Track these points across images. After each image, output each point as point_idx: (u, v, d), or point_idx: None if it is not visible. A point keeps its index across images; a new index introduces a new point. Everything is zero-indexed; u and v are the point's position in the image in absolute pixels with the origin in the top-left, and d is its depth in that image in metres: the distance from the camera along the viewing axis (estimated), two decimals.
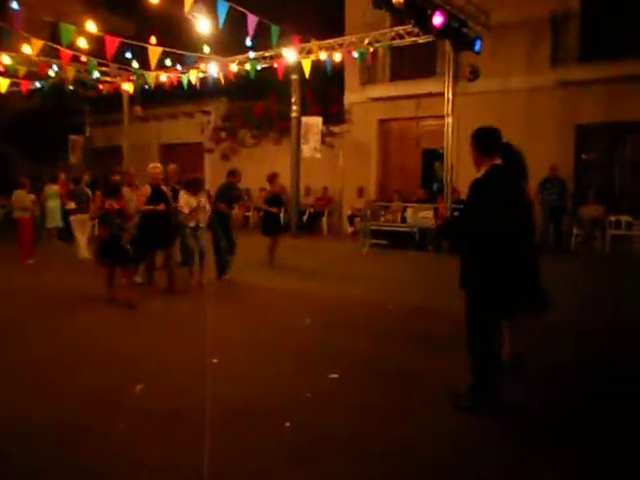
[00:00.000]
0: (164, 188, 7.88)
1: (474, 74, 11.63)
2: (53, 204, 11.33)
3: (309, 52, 11.72)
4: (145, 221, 7.68)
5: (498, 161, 3.93)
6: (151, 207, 7.52)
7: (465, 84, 13.04)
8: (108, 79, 14.87)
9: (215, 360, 5.09)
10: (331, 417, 3.93)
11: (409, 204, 12.76)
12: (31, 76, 12.75)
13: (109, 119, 19.16)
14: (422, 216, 11.42)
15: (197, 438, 3.56)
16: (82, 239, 10.29)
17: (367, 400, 4.22)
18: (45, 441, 3.59)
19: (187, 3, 6.05)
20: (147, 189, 7.71)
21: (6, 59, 10.88)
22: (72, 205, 10.34)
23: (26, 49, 9.37)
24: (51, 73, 12.45)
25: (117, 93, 15.84)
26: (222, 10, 6.54)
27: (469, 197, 3.98)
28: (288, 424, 3.80)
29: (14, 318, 6.63)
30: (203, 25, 7.42)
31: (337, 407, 4.09)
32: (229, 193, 9.01)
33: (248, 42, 8.12)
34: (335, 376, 4.68)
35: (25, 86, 12.87)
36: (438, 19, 8.44)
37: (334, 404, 4.14)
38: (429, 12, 8.45)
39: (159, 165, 7.95)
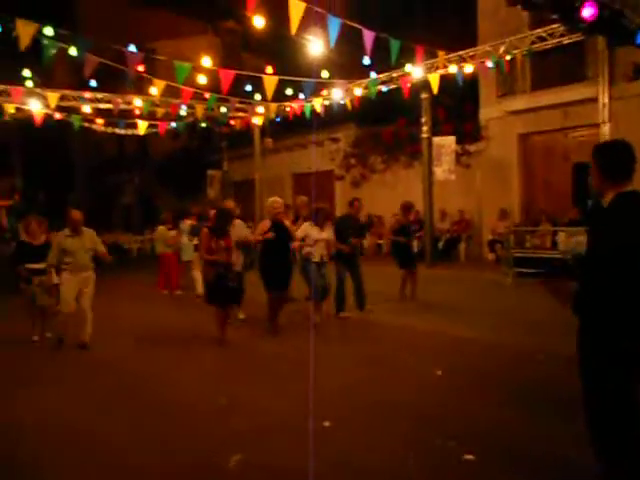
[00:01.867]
0: (287, 224, 7.44)
1: (637, 72, 9.93)
2: (185, 239, 11.55)
3: (437, 68, 10.81)
4: (264, 260, 7.29)
5: (629, 187, 2.78)
6: (260, 237, 7.11)
7: (623, 86, 11.33)
8: (239, 114, 15.18)
9: (327, 423, 4.39)
10: None
11: (560, 228, 11.17)
12: (166, 117, 13.40)
13: (244, 153, 19.71)
14: (577, 240, 9.83)
15: None
16: (199, 275, 10.30)
17: None
18: None
19: (293, 24, 5.57)
20: (266, 223, 7.30)
21: (138, 102, 11.50)
22: (195, 241, 10.39)
23: (153, 90, 9.81)
24: (182, 112, 12.95)
25: (249, 127, 16.15)
26: (333, 27, 5.99)
27: (588, 241, 2.93)
28: None
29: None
30: (316, 47, 6.96)
31: None
32: (347, 225, 8.41)
33: (366, 61, 7.49)
34: (470, 458, 3.73)
35: (162, 127, 13.54)
36: (588, 11, 7.15)
37: None
38: (576, 4, 7.20)
39: (279, 200, 7.41)
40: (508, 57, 10.65)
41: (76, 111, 12.23)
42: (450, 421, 4.34)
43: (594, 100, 10.84)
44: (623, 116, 11.29)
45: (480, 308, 8.68)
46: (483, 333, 7.03)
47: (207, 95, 10.89)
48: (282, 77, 8.54)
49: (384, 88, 12.21)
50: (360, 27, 6.65)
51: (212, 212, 8.16)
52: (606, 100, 10.37)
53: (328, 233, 7.89)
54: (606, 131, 10.60)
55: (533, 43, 10.85)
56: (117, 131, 14.63)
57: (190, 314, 8.97)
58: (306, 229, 7.71)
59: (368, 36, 6.80)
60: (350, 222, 8.45)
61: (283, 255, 7.34)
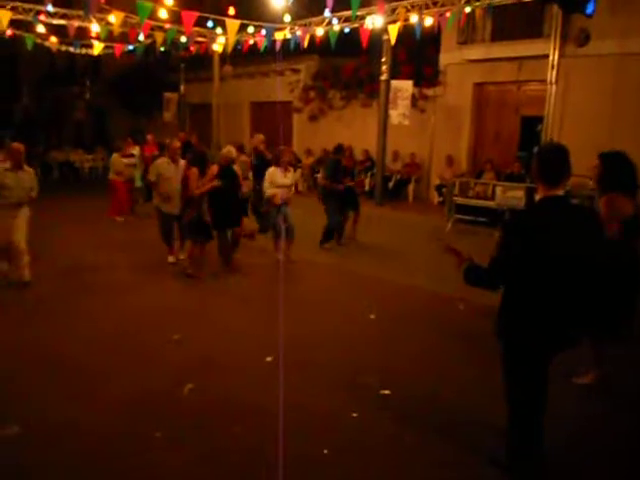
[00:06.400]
0: (236, 168, 7.84)
1: (584, 39, 10.37)
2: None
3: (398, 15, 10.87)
4: (212, 202, 7.64)
5: (559, 192, 3.04)
6: (208, 186, 7.36)
7: (575, 47, 11.75)
8: (199, 39, 14.81)
9: (269, 359, 5.02)
10: (369, 444, 3.72)
11: (499, 183, 11.72)
12: (123, 39, 13.00)
13: (203, 76, 19.28)
14: (512, 196, 10.57)
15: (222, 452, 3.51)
16: None
17: (404, 429, 3.94)
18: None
19: None
20: (214, 168, 7.60)
21: (95, 27, 11.16)
22: None
23: (111, 18, 9.56)
24: (140, 38, 12.60)
25: (208, 53, 15.81)
26: None
27: (501, 236, 3.15)
28: (326, 451, 3.64)
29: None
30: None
31: (378, 434, 3.86)
32: (337, 169, 9.06)
33: (327, 13, 7.60)
34: (386, 392, 4.44)
35: (119, 49, 13.16)
36: None
37: (376, 429, 3.91)
38: None
39: (233, 150, 7.81)
40: (467, 9, 10.78)
41: (29, 29, 11.72)
42: (376, 360, 5.05)
43: (547, 57, 11.22)
44: (572, 75, 11.79)
45: (419, 253, 9.30)
46: (418, 280, 7.73)
47: (167, 26, 10.67)
48: (244, 22, 8.51)
49: (346, 29, 12.14)
50: None
51: (175, 144, 8.32)
52: (556, 62, 10.79)
53: (291, 178, 8.37)
54: (554, 90, 11.09)
55: None
56: (71, 49, 14.12)
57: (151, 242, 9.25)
58: (272, 174, 8.12)
59: None
60: (339, 166, 9.11)
61: (231, 196, 7.70)
